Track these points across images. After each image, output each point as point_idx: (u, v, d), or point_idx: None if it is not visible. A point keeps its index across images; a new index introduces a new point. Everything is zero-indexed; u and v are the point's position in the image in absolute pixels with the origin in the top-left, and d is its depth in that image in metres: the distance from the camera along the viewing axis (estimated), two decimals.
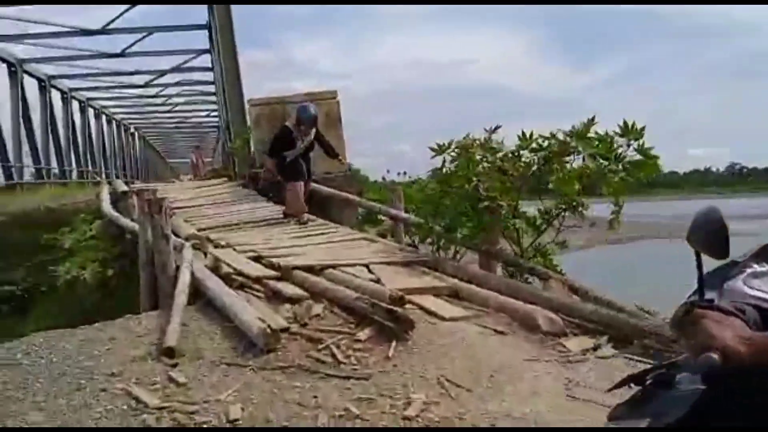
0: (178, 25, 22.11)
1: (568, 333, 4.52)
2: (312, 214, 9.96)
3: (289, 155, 9.39)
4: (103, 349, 4.48)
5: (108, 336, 4.76)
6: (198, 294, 5.65)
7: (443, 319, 4.78)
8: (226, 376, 3.95)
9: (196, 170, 25.21)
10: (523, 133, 6.51)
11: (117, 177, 26.66)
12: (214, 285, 5.53)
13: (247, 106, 15.31)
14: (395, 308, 4.53)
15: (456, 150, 6.82)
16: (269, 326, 4.36)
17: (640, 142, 5.99)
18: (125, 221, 8.98)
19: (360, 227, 9.57)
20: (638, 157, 6.01)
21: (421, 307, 5.03)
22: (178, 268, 5.98)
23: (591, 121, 6.19)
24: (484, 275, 5.85)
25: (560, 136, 6.26)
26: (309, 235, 8.14)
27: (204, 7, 18.80)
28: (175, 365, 4.14)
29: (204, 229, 8.81)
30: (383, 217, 9.81)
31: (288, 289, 5.55)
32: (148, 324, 5.05)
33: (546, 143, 6.25)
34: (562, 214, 6.17)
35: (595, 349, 4.23)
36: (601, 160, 6.06)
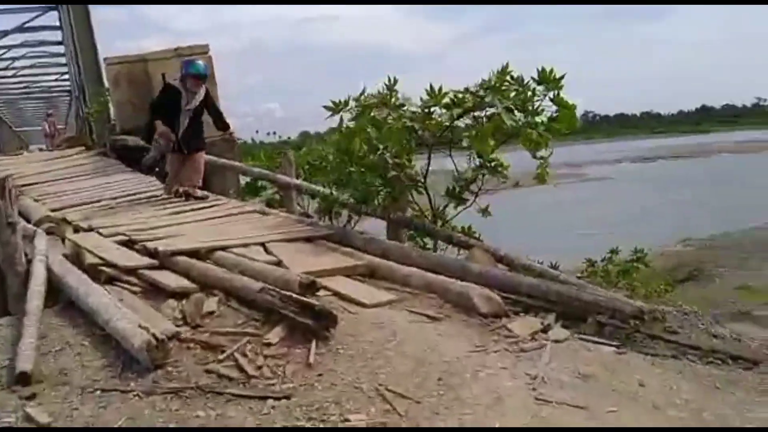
0: None
1: (509, 313, 3.95)
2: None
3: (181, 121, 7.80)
4: None
5: None
6: (56, 293, 4.61)
7: (365, 306, 4.06)
8: (103, 407, 3.03)
9: (50, 140, 22.95)
10: (432, 88, 5.85)
11: None
12: (77, 281, 4.51)
13: (103, 66, 13.72)
14: (311, 301, 3.75)
15: (355, 108, 6.05)
16: (154, 335, 3.46)
17: (557, 92, 5.51)
18: None
19: (242, 197, 8.60)
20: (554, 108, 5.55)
21: (336, 293, 4.28)
22: (30, 261, 4.87)
23: (504, 71, 5.61)
24: (401, 248, 5.17)
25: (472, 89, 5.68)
26: (188, 211, 7.11)
27: None
28: (32, 396, 3.17)
29: (60, 209, 7.56)
30: (268, 185, 8.87)
31: (170, 280, 4.62)
32: None
33: (459, 97, 5.62)
34: (481, 177, 5.58)
35: (544, 330, 3.67)
36: (518, 114, 5.52)
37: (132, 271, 4.84)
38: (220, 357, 3.44)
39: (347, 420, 2.75)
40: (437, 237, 5.73)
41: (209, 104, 8.03)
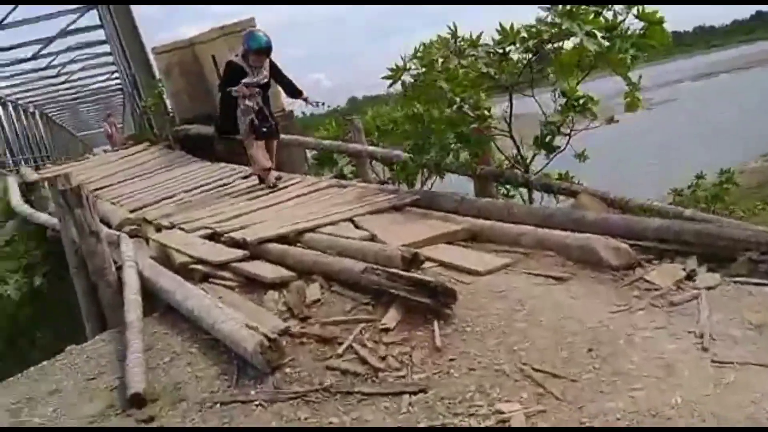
0: None
1: (642, 262, 3.55)
2: None
3: (240, 99, 7.08)
4: (46, 412, 3.28)
5: (48, 388, 3.55)
6: (153, 299, 4.45)
7: (478, 274, 3.73)
8: (227, 422, 2.83)
9: (113, 140, 23.39)
10: (502, 27, 5.38)
11: (25, 164, 24.28)
12: (172, 284, 4.33)
13: (151, 58, 13.59)
14: (424, 276, 3.45)
15: (419, 65, 5.64)
16: (265, 335, 3.23)
17: (641, 7, 4.97)
18: (43, 216, 7.53)
19: (315, 172, 8.34)
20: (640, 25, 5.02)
21: (442, 263, 3.97)
22: (120, 268, 4.73)
23: None
24: (499, 205, 4.79)
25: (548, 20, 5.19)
26: (265, 195, 6.90)
27: None
28: (150, 419, 3.00)
29: (138, 209, 7.46)
30: (338, 156, 8.56)
31: (266, 270, 4.40)
32: (98, 356, 3.84)
33: (534, 30, 5.14)
34: (571, 118, 5.11)
35: (689, 277, 3.27)
36: (602, 39, 5.01)
37: (224, 265, 4.64)
38: (339, 351, 3.18)
39: (499, 412, 2.44)
40: (533, 187, 5.32)
41: (277, 74, 7.33)
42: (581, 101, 5.02)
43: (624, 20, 4.98)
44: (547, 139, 5.11)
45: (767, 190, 17.66)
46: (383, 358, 3.04)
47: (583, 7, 5.03)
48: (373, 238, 4.58)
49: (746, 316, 2.77)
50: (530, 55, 5.19)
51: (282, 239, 4.86)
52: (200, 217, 6.15)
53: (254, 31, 7.29)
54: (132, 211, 7.30)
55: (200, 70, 11.67)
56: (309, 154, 9.13)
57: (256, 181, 7.43)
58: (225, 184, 7.93)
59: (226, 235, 5.24)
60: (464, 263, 3.86)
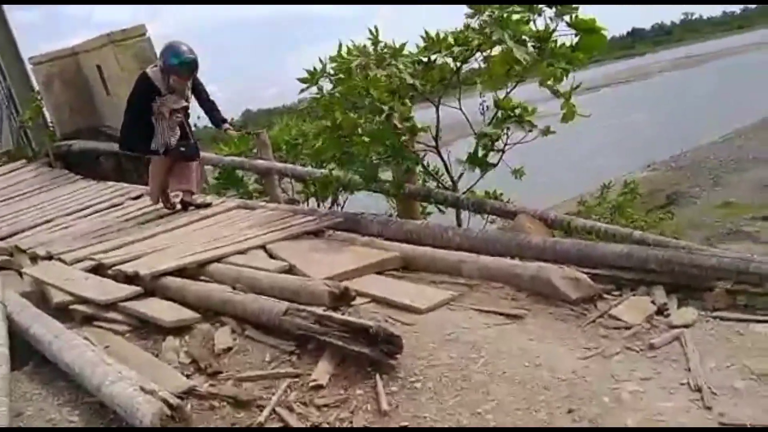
0: None
1: (601, 293, 3.15)
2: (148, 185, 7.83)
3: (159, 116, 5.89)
4: None
5: None
6: (24, 347, 3.65)
7: (419, 311, 3.22)
8: None
9: None
10: (428, 34, 4.96)
11: None
12: (47, 331, 3.54)
13: (29, 68, 12.36)
14: (362, 321, 2.89)
15: (336, 73, 5.12)
16: (165, 400, 2.57)
17: (573, 15, 4.68)
18: None
19: (217, 192, 7.60)
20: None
21: (375, 299, 3.44)
22: None
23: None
24: (434, 229, 4.29)
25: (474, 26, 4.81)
26: (161, 216, 6.11)
27: None
28: None
29: (10, 236, 6.47)
30: (243, 173, 7.85)
31: (163, 311, 3.70)
32: None
33: (461, 38, 4.73)
34: (507, 131, 4.72)
35: (661, 312, 2.89)
36: (531, 47, 4.67)
37: (112, 305, 3.90)
38: (261, 418, 2.57)
39: None
40: (463, 207, 4.89)
41: (199, 94, 6.14)
42: (517, 112, 4.64)
43: (555, 28, 4.67)
44: (481, 155, 4.69)
45: (655, 200, 18.35)
46: (317, 426, 2.46)
47: (513, 14, 4.69)
48: (291, 270, 3.98)
49: (744, 363, 2.39)
50: (458, 64, 4.77)
51: (182, 272, 4.18)
52: (83, 246, 5.31)
53: (176, 44, 5.81)
54: (2, 239, 6.32)
55: (84, 80, 10.64)
56: (210, 172, 8.37)
57: (150, 203, 6.60)
58: (113, 206, 7.04)
59: (114, 267, 4.47)
60: (402, 299, 3.34)
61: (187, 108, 6.07)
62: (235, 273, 4.04)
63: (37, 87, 12.17)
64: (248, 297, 3.49)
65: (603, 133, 31.63)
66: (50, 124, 11.83)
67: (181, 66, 5.71)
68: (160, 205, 6.34)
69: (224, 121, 6.26)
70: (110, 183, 8.26)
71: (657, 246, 3.44)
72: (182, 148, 6.07)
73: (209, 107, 6.19)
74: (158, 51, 6.21)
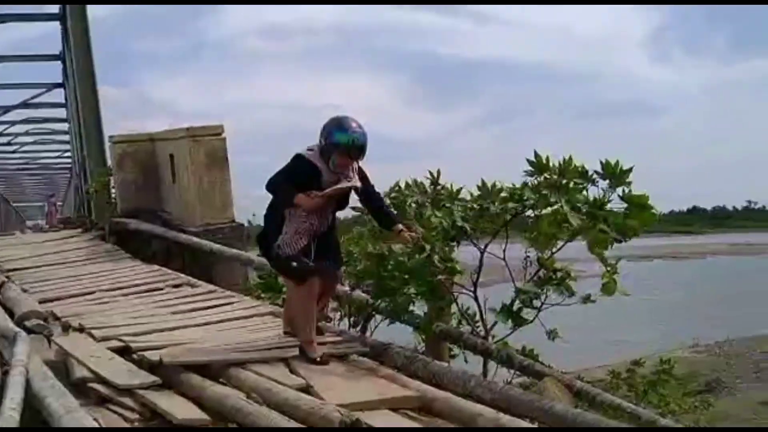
0: (27, 54, 19.47)
1: None
2: (191, 275, 8.00)
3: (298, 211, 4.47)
4: None
5: None
6: (35, 417, 3.68)
7: None
8: None
9: (50, 219, 22.65)
10: (483, 183, 5.15)
11: None
12: (60, 407, 3.57)
13: (107, 144, 13.15)
14: None
15: (391, 204, 5.34)
16: None
17: (626, 188, 4.83)
18: None
19: (253, 294, 7.71)
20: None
21: None
22: (6, 372, 3.96)
23: (568, 165, 4.92)
24: (455, 374, 4.26)
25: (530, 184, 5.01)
26: (197, 309, 6.22)
27: (57, 38, 16.62)
28: None
29: (50, 300, 6.67)
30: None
31: (175, 407, 3.72)
32: None
33: (518, 195, 4.90)
34: (546, 292, 4.78)
35: None
36: (586, 216, 4.79)
37: (129, 391, 3.94)
38: None
39: None
40: (491, 358, 4.85)
41: (366, 188, 4.69)
42: (559, 275, 4.71)
43: (610, 199, 4.80)
44: (516, 309, 4.73)
45: (693, 382, 17.66)
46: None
47: (571, 182, 4.87)
48: (307, 389, 3.97)
49: None
50: (508, 217, 4.92)
51: (203, 368, 4.22)
52: (115, 324, 5.44)
53: (344, 119, 4.48)
54: (42, 302, 6.51)
55: (155, 165, 11.24)
56: (252, 273, 8.53)
57: (189, 291, 6.72)
58: (153, 290, 7.23)
59: (140, 352, 4.55)
60: None
61: (346, 202, 4.76)
62: (252, 382, 4.05)
63: (110, 162, 12.88)
64: (259, 411, 3.48)
65: (648, 305, 31.17)
66: (113, 200, 12.37)
67: (351, 144, 4.40)
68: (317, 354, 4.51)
69: (395, 223, 4.74)
70: (155, 267, 8.49)
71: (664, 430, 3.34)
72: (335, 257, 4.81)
73: (377, 204, 4.82)
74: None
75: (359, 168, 4.62)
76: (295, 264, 4.50)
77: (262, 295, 7.40)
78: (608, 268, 4.74)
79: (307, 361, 4.42)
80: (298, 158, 4.55)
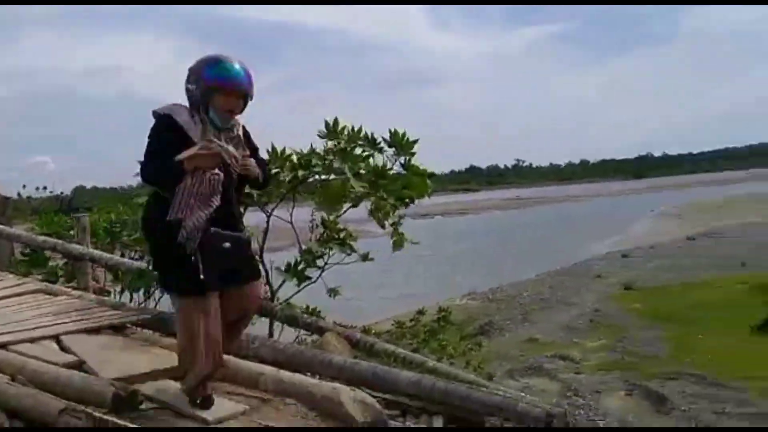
0: None
1: (386, 419, 3.30)
2: None
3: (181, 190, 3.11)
4: None
5: None
6: None
7: (205, 422, 3.18)
8: None
9: None
10: (273, 148, 5.17)
11: None
12: None
13: None
14: (137, 427, 2.80)
15: None
16: None
17: (408, 158, 5.17)
18: None
19: (20, 271, 7.07)
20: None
21: (164, 406, 3.35)
22: None
23: (356, 134, 5.12)
24: (242, 338, 4.28)
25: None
26: None
27: None
28: None
29: None
30: (53, 254, 7.35)
31: None
32: None
33: (306, 161, 5.02)
34: (329, 251, 4.97)
35: None
36: (368, 184, 5.05)
37: None
38: None
39: None
40: (276, 318, 4.94)
41: (252, 148, 3.46)
42: (341, 235, 4.94)
43: (392, 167, 5.09)
44: (301, 268, 4.89)
45: (469, 327, 19.34)
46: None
47: (356, 149, 5.08)
48: (81, 365, 3.79)
49: None
50: (297, 182, 5.03)
51: None
52: None
53: (215, 55, 3.25)
54: None
55: None
56: (18, 248, 7.78)
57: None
58: None
59: None
60: (189, 407, 3.28)
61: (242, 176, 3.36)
62: (20, 363, 3.77)
63: None
64: (23, 390, 3.26)
65: (429, 260, 33.35)
66: None
67: (232, 79, 3.21)
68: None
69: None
70: None
71: (446, 377, 3.69)
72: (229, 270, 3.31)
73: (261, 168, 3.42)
74: None
75: (245, 131, 3.45)
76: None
77: (29, 271, 6.82)
78: (392, 226, 5.06)
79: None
80: (162, 118, 3.24)
